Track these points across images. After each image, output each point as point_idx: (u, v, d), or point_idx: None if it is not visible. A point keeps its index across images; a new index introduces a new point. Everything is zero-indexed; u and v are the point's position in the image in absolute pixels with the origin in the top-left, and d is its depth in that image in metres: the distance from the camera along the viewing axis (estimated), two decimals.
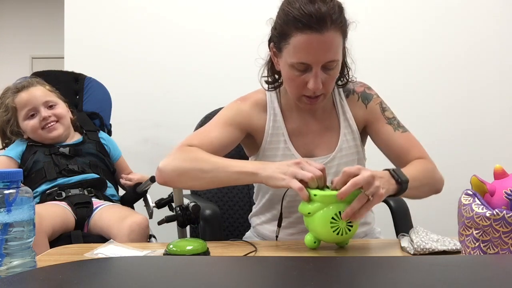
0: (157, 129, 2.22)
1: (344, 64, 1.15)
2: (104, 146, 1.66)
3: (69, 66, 2.08)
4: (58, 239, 1.29)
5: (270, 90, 1.20)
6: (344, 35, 1.06)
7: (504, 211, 0.70)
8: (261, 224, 1.25)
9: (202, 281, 0.48)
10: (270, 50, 1.14)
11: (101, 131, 1.73)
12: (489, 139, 2.19)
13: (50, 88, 1.61)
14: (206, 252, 0.88)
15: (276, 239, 1.07)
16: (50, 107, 1.55)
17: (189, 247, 0.87)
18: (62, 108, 1.58)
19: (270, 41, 1.13)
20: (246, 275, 0.52)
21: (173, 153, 1.07)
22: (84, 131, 1.66)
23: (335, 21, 1.00)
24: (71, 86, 1.82)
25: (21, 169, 0.69)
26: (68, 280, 0.49)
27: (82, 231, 1.38)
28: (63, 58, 2.19)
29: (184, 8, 2.22)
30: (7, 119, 1.55)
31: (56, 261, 0.60)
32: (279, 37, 1.06)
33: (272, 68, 1.18)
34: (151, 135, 2.22)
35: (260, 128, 1.17)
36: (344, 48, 1.09)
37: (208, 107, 1.64)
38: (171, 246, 0.88)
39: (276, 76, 1.18)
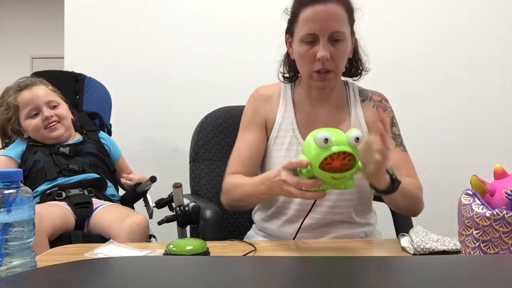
0: (157, 129, 2.22)
1: (357, 55, 1.22)
2: (104, 146, 1.66)
3: (69, 66, 2.08)
4: (58, 239, 1.29)
5: (286, 82, 1.27)
6: (349, 13, 1.14)
7: (504, 211, 0.70)
8: (265, 218, 1.26)
9: (202, 281, 0.48)
10: (286, 42, 1.22)
11: (101, 131, 1.72)
12: (489, 139, 2.18)
13: (53, 88, 1.60)
14: (206, 252, 0.88)
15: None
16: (53, 107, 1.55)
17: (189, 247, 0.87)
18: (63, 109, 1.58)
19: (286, 33, 1.21)
20: (246, 275, 0.52)
21: (227, 182, 1.20)
22: (84, 131, 1.66)
23: None
24: (71, 86, 1.82)
25: (21, 169, 0.69)
26: (68, 280, 0.49)
27: (82, 231, 1.38)
28: (63, 58, 2.19)
29: (184, 9, 2.22)
30: (8, 117, 1.55)
31: (56, 261, 0.60)
32: (291, 21, 1.16)
33: (288, 60, 1.25)
34: (151, 135, 2.22)
35: (272, 119, 1.24)
36: (354, 36, 1.18)
37: (208, 107, 1.64)
38: (171, 246, 0.88)
39: (289, 69, 1.26)
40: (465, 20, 2.20)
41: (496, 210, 0.71)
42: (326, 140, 0.85)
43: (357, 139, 0.85)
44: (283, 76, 1.27)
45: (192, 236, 1.41)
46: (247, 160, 1.21)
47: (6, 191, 0.65)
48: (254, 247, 0.98)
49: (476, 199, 0.75)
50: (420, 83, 2.20)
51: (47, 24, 5.85)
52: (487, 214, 0.71)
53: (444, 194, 1.92)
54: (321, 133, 0.85)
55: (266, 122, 1.24)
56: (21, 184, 0.67)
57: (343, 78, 1.27)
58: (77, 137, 1.63)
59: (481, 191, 0.76)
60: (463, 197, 0.77)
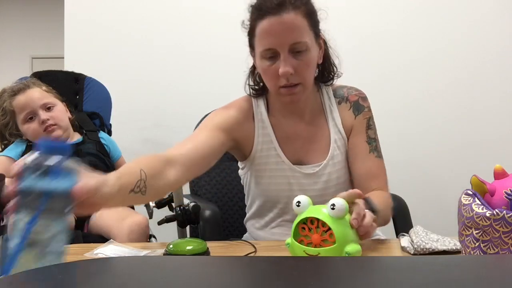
0: (157, 129, 2.22)
1: (328, 59, 1.14)
2: (104, 146, 1.66)
3: (69, 66, 2.08)
4: None
5: (254, 96, 1.19)
6: (310, 19, 1.04)
7: (504, 211, 0.70)
8: (260, 228, 1.25)
9: (202, 281, 0.48)
10: (251, 55, 1.14)
11: (101, 131, 1.72)
12: (489, 139, 2.19)
13: (47, 88, 1.60)
14: (206, 252, 0.88)
15: None
16: (48, 108, 1.55)
17: (189, 247, 0.87)
18: (60, 110, 1.57)
19: (249, 46, 1.13)
20: (246, 275, 0.52)
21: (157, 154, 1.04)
22: (84, 131, 1.66)
23: (293, 4, 1.00)
24: (71, 86, 1.82)
25: (69, 144, 0.67)
26: (68, 280, 0.49)
27: (82, 231, 1.38)
28: (63, 58, 2.19)
29: (184, 9, 2.22)
30: (5, 123, 1.54)
31: None
32: (250, 35, 1.08)
33: (255, 73, 1.18)
34: (151, 135, 2.22)
35: (248, 136, 1.16)
36: (319, 39, 1.08)
37: (208, 107, 1.64)
38: (171, 246, 0.88)
39: (258, 80, 1.18)
40: (468, 19, 2.20)
41: (496, 210, 0.71)
42: (299, 203, 0.83)
43: (333, 205, 0.80)
44: (253, 89, 1.18)
45: (192, 236, 1.41)
46: (200, 157, 1.03)
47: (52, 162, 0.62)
48: (254, 247, 0.98)
49: (476, 199, 0.75)
50: (421, 84, 2.20)
51: (47, 24, 5.85)
52: (487, 214, 0.71)
53: (444, 194, 1.92)
54: (296, 197, 0.84)
55: (242, 137, 1.15)
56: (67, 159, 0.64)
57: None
58: (76, 137, 1.62)
59: (481, 191, 0.76)
60: (463, 197, 0.77)
